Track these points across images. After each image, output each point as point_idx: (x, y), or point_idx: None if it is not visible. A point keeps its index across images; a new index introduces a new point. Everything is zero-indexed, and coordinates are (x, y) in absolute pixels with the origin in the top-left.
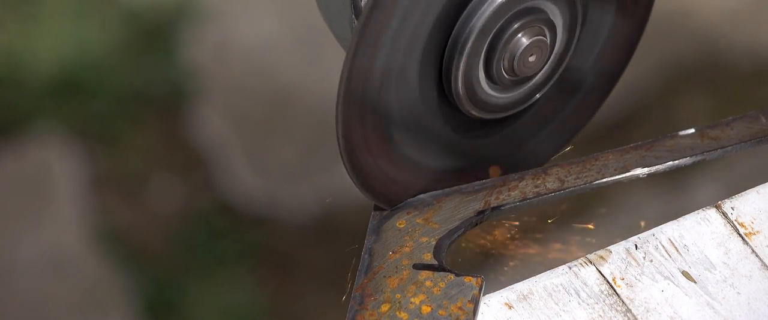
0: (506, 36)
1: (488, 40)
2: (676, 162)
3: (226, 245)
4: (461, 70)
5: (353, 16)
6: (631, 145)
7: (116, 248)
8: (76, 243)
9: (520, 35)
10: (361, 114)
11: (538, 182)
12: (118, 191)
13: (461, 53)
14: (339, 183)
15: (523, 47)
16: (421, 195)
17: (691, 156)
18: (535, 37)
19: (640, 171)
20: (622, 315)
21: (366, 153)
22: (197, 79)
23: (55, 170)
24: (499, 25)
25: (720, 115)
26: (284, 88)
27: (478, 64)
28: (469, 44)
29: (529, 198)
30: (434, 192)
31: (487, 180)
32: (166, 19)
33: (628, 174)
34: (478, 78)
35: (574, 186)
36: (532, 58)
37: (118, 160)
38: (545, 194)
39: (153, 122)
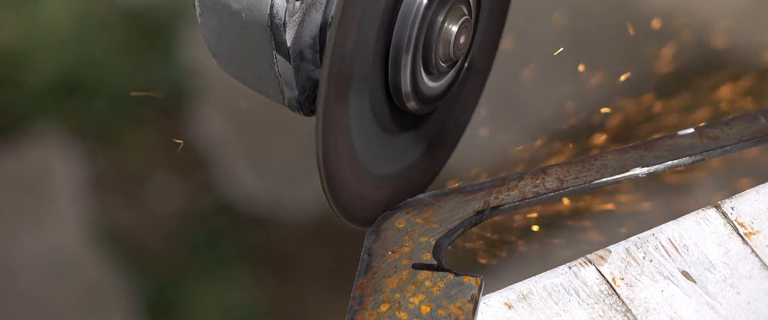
0: (436, 30)
1: (422, 42)
2: (675, 161)
3: (226, 245)
4: (408, 76)
5: (275, 52)
6: (631, 144)
7: (116, 248)
8: (76, 243)
9: (447, 24)
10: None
11: (538, 182)
12: (118, 191)
13: (404, 64)
14: None
15: (454, 34)
16: (421, 195)
17: (690, 155)
18: (461, 19)
19: (639, 170)
20: (622, 315)
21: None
22: (197, 79)
23: (55, 170)
24: (428, 23)
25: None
26: None
27: (419, 66)
28: (410, 54)
29: (529, 198)
30: (433, 192)
31: (486, 180)
32: (166, 19)
33: (627, 173)
34: (422, 77)
35: (574, 186)
36: (462, 40)
37: (118, 160)
38: (544, 194)
39: (153, 122)
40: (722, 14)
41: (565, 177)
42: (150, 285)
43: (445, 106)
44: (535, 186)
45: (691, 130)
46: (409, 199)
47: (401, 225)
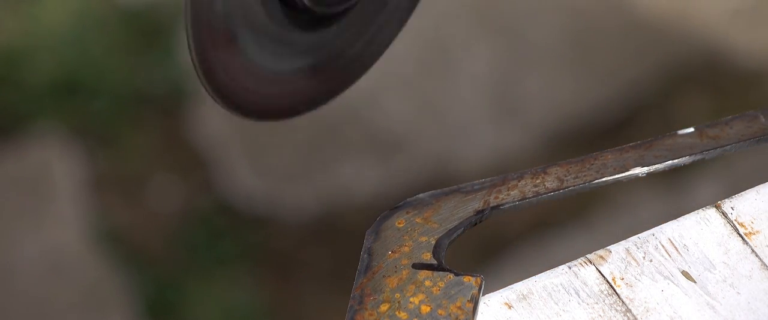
0: None
1: None
2: (676, 161)
3: (226, 245)
4: None
5: None
6: (631, 144)
7: (116, 248)
8: (76, 243)
9: None
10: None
11: (538, 181)
12: (118, 191)
13: None
14: (339, 183)
15: None
16: (420, 195)
17: (690, 155)
18: None
19: (639, 170)
20: (622, 314)
21: (214, 54)
22: (197, 79)
23: (55, 170)
24: None
25: (720, 115)
26: None
27: None
28: None
29: (529, 198)
30: (433, 191)
31: (486, 179)
32: (166, 19)
33: (627, 173)
34: None
35: (574, 186)
36: None
37: (118, 160)
38: (545, 193)
39: (153, 122)
40: (722, 14)
41: (565, 176)
42: (150, 285)
43: (351, 31)
44: (535, 186)
45: (691, 129)
46: (408, 199)
47: (401, 225)
